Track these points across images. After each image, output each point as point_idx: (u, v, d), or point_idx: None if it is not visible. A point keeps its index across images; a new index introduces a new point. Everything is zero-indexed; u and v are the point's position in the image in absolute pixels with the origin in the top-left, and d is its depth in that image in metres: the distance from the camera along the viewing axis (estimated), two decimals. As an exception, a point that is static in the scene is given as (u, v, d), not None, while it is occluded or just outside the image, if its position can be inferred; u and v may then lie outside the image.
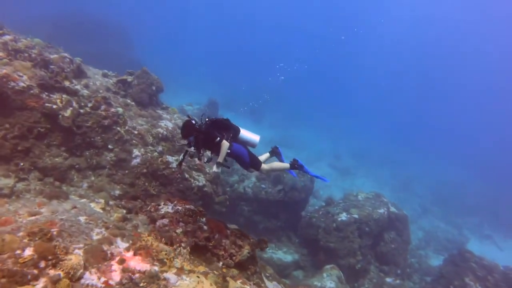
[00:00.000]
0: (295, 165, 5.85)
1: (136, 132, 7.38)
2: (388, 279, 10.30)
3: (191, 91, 27.30)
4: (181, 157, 5.24)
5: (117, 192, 6.68)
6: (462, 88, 53.55)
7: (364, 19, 51.95)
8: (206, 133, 5.16)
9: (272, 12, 60.49)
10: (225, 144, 5.11)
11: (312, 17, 56.93)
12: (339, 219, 10.29)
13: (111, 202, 5.89)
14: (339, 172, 22.83)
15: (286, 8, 59.03)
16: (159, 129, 7.83)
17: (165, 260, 4.21)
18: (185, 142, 5.38)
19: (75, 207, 5.08)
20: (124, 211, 5.78)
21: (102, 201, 5.79)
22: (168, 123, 8.30)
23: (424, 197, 22.69)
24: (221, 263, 5.24)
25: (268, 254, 10.24)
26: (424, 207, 20.86)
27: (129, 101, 8.08)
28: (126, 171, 7.04)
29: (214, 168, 5.19)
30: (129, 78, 8.22)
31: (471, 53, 51.81)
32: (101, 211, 5.39)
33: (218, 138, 5.12)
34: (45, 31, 20.35)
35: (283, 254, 10.52)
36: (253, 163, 5.59)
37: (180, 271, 4.16)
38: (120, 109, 7.24)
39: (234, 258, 5.38)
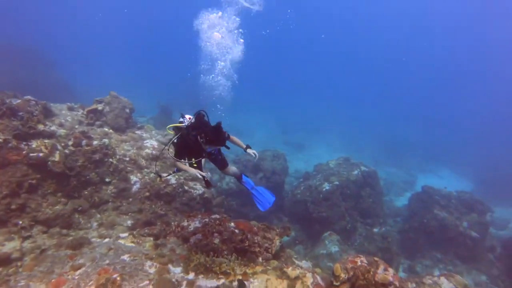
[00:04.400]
0: (241, 176, 5.96)
1: (127, 158, 7.23)
2: (375, 229, 11.50)
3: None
4: (198, 174, 4.33)
5: (129, 222, 6.61)
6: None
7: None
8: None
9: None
10: None
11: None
12: (324, 189, 11.12)
13: (135, 233, 5.85)
14: (293, 147, 24.00)
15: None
16: (147, 150, 7.74)
17: (228, 271, 4.48)
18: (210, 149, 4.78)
19: (111, 249, 5.03)
20: (151, 238, 5.81)
21: (127, 234, 5.75)
22: (152, 141, 8.19)
23: (373, 151, 24.97)
24: (260, 258, 5.62)
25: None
26: (376, 160, 22.94)
27: (107, 129, 7.78)
28: (130, 199, 6.95)
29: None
30: (100, 106, 7.87)
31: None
32: (134, 244, 5.38)
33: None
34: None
35: (280, 235, 11.10)
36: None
37: (246, 276, 4.47)
38: (106, 140, 7.02)
39: (270, 251, 5.78)
